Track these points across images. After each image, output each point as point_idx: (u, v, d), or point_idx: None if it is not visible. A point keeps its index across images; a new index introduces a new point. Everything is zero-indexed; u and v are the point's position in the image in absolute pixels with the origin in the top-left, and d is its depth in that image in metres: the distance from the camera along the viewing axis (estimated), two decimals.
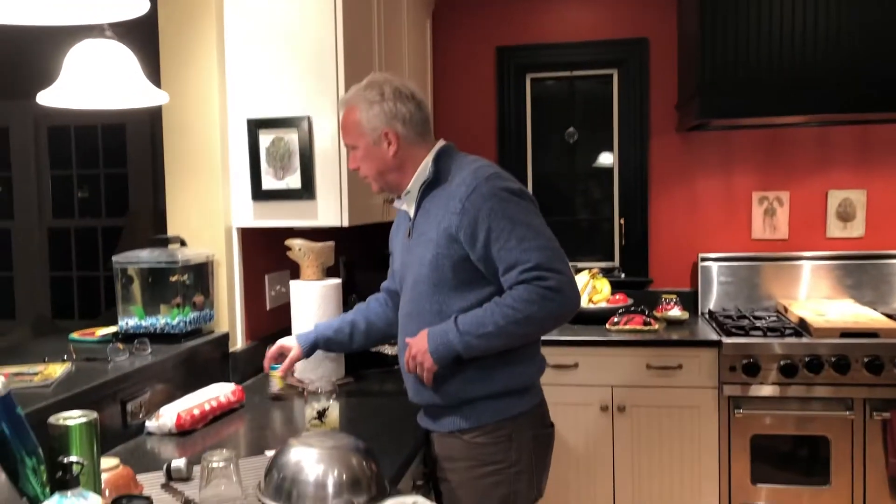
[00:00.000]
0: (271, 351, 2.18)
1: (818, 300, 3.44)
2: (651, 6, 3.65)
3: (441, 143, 1.91)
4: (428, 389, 1.85)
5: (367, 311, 2.17)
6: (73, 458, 1.12)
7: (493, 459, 1.82)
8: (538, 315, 1.73)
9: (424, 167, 1.87)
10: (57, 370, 1.84)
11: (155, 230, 3.55)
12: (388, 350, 2.58)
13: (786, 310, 3.33)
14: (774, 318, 3.26)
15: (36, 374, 1.80)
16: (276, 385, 2.20)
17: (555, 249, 1.77)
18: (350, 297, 3.03)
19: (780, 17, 3.03)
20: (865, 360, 2.84)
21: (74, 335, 2.30)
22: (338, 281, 2.41)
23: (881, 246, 3.50)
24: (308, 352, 2.14)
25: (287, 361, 2.13)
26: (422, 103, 1.89)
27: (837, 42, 2.99)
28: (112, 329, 2.29)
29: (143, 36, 2.48)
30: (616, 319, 3.25)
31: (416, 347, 1.82)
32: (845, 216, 3.52)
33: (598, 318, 3.32)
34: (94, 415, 1.29)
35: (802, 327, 3.05)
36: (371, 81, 1.87)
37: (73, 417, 1.26)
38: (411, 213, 1.92)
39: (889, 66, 2.98)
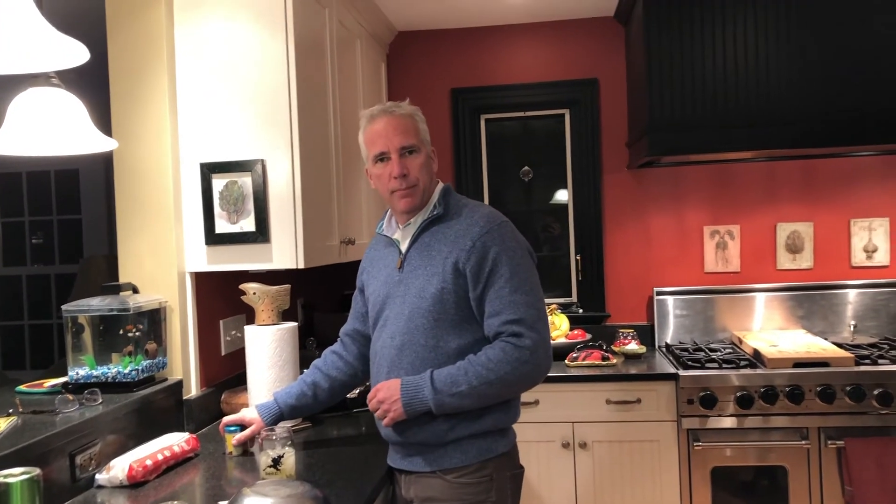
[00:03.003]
0: (232, 417, 2.12)
1: (771, 331, 3.51)
2: (600, 48, 3.75)
3: (442, 182, 2.00)
4: (413, 429, 1.83)
5: (327, 366, 2.13)
6: None
7: (476, 500, 1.82)
8: (510, 377, 1.76)
9: (432, 202, 1.93)
10: (1, 424, 1.78)
11: (110, 276, 3.49)
12: (348, 394, 2.55)
13: (740, 341, 3.38)
14: (729, 350, 3.31)
15: None
16: (227, 448, 2.13)
17: (541, 310, 1.82)
18: (308, 340, 3.01)
19: (723, 57, 3.13)
20: (818, 389, 2.90)
21: (22, 387, 2.24)
22: (293, 325, 2.38)
23: (829, 276, 3.59)
24: (270, 425, 2.06)
25: (248, 432, 2.07)
26: None
27: (779, 81, 3.10)
28: (62, 380, 2.24)
29: (95, 81, 2.48)
30: (575, 355, 3.27)
31: (388, 395, 1.81)
32: (794, 248, 3.61)
33: (557, 353, 3.33)
34: (36, 471, 1.26)
35: (756, 358, 3.10)
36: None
37: (14, 475, 1.23)
38: (404, 246, 1.92)
39: (830, 103, 3.08)
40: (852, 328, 3.47)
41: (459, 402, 1.76)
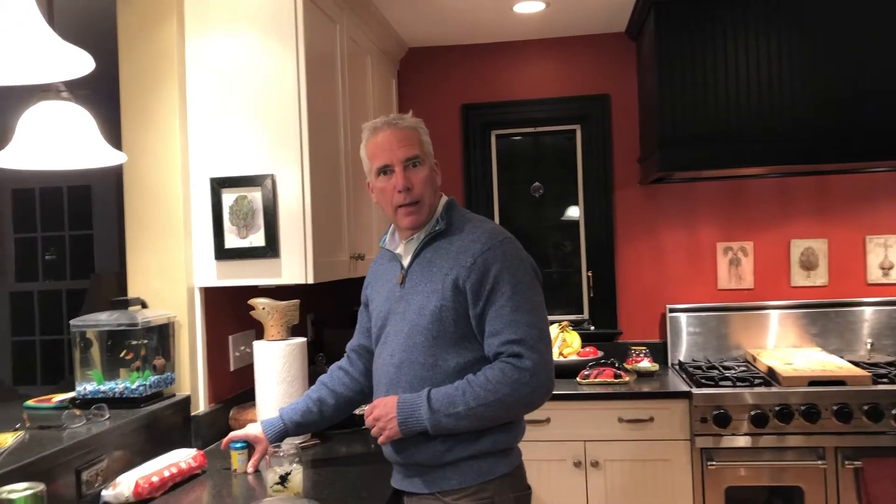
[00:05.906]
0: (237, 433, 2.11)
1: (785, 349, 3.46)
2: (612, 64, 3.74)
3: (446, 196, 1.95)
4: (410, 448, 1.79)
5: (333, 381, 2.11)
6: None
7: None
8: (509, 399, 1.71)
9: (435, 216, 1.89)
10: (8, 439, 1.77)
11: (120, 292, 3.50)
12: (356, 410, 2.53)
13: (754, 359, 3.34)
14: (743, 368, 3.26)
15: None
16: (232, 465, 2.11)
17: (543, 331, 1.77)
18: (317, 355, 2.99)
19: (734, 72, 3.11)
20: (834, 408, 2.85)
21: (30, 402, 2.23)
22: (302, 340, 2.37)
23: (844, 294, 3.54)
24: (275, 442, 2.04)
25: (256, 455, 2.05)
26: None
27: (791, 96, 3.08)
28: (69, 395, 2.23)
29: (107, 97, 2.48)
30: (587, 372, 3.23)
31: (384, 412, 1.78)
32: (808, 265, 3.57)
33: (568, 371, 3.30)
34: (40, 486, 1.24)
35: (771, 376, 3.05)
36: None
37: (18, 490, 1.21)
38: (406, 261, 1.90)
39: (844, 118, 3.05)
40: (869, 346, 3.42)
41: (456, 423, 1.72)
